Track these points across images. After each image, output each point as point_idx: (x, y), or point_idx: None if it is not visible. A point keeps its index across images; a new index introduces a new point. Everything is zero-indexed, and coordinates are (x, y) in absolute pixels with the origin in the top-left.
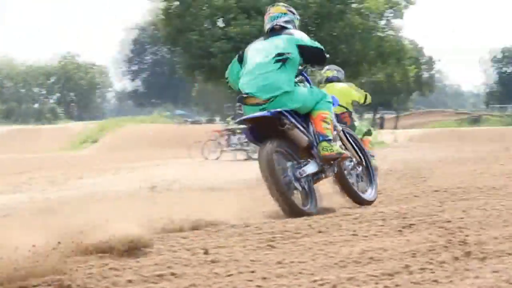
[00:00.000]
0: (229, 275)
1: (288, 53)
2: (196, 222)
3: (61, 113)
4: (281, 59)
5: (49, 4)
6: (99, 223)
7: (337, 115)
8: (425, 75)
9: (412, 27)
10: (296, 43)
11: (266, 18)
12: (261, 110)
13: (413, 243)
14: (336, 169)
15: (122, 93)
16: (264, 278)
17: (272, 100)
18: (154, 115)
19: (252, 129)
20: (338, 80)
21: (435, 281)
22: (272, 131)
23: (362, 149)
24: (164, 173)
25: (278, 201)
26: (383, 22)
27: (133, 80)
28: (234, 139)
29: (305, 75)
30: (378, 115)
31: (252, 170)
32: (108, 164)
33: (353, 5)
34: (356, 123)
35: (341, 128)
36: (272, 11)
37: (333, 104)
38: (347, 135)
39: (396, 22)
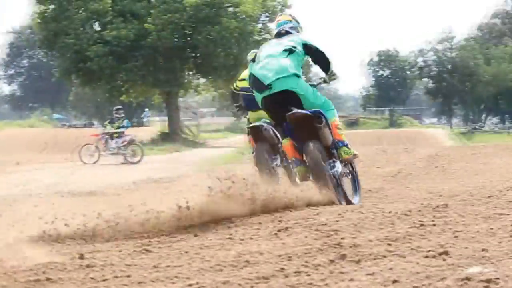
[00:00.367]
0: (104, 280)
1: (294, 47)
2: (73, 227)
3: None
4: (288, 49)
5: None
6: None
7: None
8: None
9: None
10: (302, 42)
11: (275, 24)
12: (269, 89)
13: (288, 246)
14: (349, 170)
15: None
16: (140, 283)
17: (279, 78)
18: (31, 119)
19: (287, 125)
20: None
21: (310, 284)
22: (306, 129)
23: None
24: (40, 178)
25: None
26: (259, 26)
27: (9, 84)
28: (112, 143)
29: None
30: None
31: (129, 174)
32: None
33: (229, 9)
34: None
35: None
36: (280, 18)
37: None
38: None
39: (272, 25)
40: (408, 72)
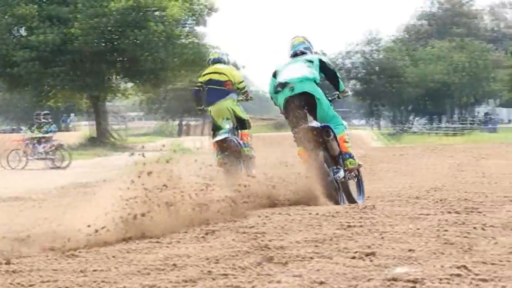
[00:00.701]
0: (31, 285)
1: (313, 62)
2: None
3: None
4: (308, 61)
5: None
6: None
7: (221, 82)
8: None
9: (216, 34)
10: (319, 58)
11: (290, 46)
12: (290, 90)
13: (216, 249)
14: (355, 174)
15: None
16: None
17: (300, 81)
18: None
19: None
20: (223, 62)
21: (238, 286)
22: (316, 140)
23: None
24: None
25: (328, 195)
26: (186, 29)
27: None
28: (40, 148)
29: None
30: (183, 122)
31: (56, 179)
32: None
33: (156, 13)
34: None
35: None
36: (294, 41)
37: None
38: None
39: (199, 29)
40: None
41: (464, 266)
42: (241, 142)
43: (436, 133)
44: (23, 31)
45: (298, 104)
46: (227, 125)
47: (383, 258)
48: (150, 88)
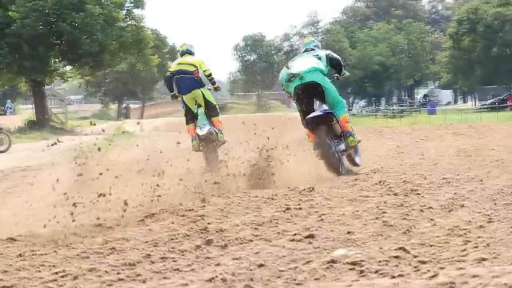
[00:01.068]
0: None
1: (320, 56)
2: None
3: None
4: (317, 56)
5: None
6: None
7: (191, 72)
8: (169, 64)
9: (156, 17)
10: (326, 53)
11: (301, 44)
12: (300, 79)
13: (155, 232)
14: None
15: None
16: (5, 272)
17: (310, 72)
18: None
19: (309, 120)
20: (191, 53)
21: (177, 269)
22: (323, 122)
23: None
24: None
25: (330, 165)
26: (124, 12)
27: None
28: None
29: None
30: (123, 105)
31: None
32: None
33: None
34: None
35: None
36: (305, 40)
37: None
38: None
39: (138, 12)
40: (274, 57)
41: (403, 248)
42: (216, 130)
43: (376, 115)
44: None
45: (307, 92)
46: (200, 111)
47: (322, 241)
48: (89, 71)
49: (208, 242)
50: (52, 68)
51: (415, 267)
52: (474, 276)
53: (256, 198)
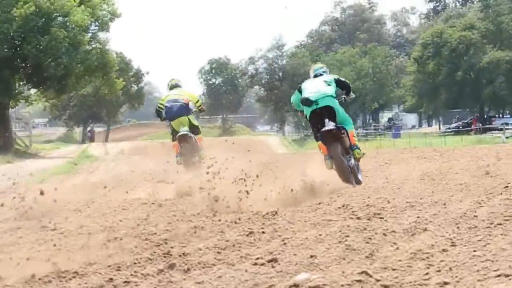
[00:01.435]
0: None
1: (330, 81)
2: None
3: None
4: (327, 81)
5: None
6: None
7: (181, 100)
8: (134, 87)
9: (121, 40)
10: (335, 77)
11: (312, 69)
12: (315, 105)
13: (118, 256)
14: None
15: None
16: None
17: (323, 97)
18: None
19: (324, 133)
20: (179, 86)
21: None
22: (333, 137)
23: None
24: None
25: (345, 177)
26: (89, 35)
27: None
28: None
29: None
30: (88, 129)
31: None
32: None
33: (59, 19)
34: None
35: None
36: (315, 66)
37: None
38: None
39: (102, 35)
40: (239, 80)
41: (366, 272)
42: (199, 144)
43: None
44: None
45: (321, 114)
46: (184, 129)
47: (285, 265)
48: (54, 94)
49: (171, 266)
50: (16, 91)
51: None
52: None
53: (220, 222)
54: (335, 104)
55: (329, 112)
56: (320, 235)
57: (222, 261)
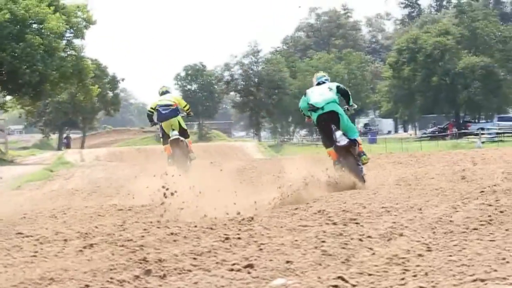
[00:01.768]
0: None
1: (332, 88)
2: None
3: None
4: (330, 88)
5: None
6: None
7: (171, 104)
8: (110, 94)
9: (96, 47)
10: (337, 85)
11: (315, 78)
12: (321, 110)
13: (94, 263)
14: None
15: None
16: None
17: (328, 103)
18: None
19: (340, 148)
20: (169, 92)
21: None
22: (347, 150)
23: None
24: None
25: (359, 179)
26: (64, 42)
27: None
28: None
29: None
30: (64, 135)
31: None
32: None
33: (34, 26)
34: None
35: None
36: (319, 74)
37: None
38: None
39: (78, 42)
40: (215, 86)
41: (342, 277)
42: (189, 147)
43: (317, 144)
44: None
45: (327, 119)
46: (174, 132)
47: (261, 270)
48: (30, 101)
49: (147, 273)
50: None
51: None
52: None
53: (195, 228)
54: (339, 109)
55: (334, 117)
56: (296, 240)
57: (198, 267)
